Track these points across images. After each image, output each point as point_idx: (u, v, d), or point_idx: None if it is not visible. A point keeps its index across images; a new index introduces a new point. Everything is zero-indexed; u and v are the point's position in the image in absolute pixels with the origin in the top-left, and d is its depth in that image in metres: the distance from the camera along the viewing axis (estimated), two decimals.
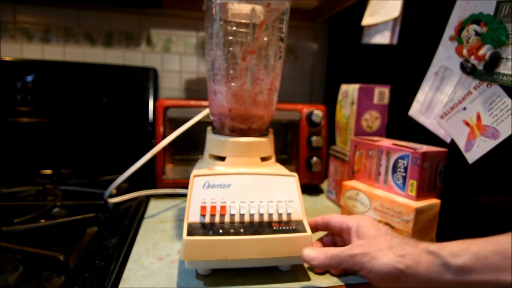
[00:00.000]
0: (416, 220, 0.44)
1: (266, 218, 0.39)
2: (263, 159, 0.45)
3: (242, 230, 0.37)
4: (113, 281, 0.36)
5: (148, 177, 0.65)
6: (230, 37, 0.42)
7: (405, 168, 0.47)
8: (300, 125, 0.69)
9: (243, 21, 0.42)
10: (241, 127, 0.45)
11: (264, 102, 0.45)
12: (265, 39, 0.44)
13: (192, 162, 0.65)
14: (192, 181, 0.40)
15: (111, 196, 0.57)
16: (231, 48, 0.43)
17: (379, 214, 0.48)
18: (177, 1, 0.85)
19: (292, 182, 0.42)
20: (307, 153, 0.70)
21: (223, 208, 0.38)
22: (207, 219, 0.37)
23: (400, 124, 0.62)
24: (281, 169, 0.46)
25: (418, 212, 0.44)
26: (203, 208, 0.38)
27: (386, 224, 0.47)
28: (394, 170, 0.49)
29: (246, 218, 0.38)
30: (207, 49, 0.46)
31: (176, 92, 0.94)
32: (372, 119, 0.62)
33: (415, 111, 0.58)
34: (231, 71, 0.43)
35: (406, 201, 0.45)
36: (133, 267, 0.39)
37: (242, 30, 0.43)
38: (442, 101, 0.52)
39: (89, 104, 0.79)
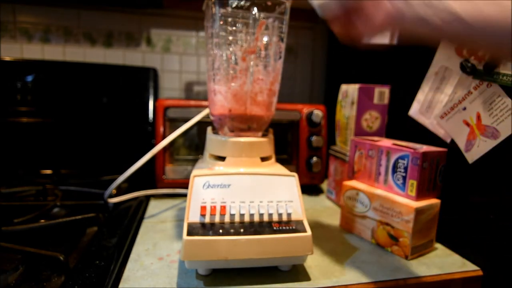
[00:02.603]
0: (416, 220, 0.44)
1: (266, 218, 0.39)
2: (263, 159, 0.45)
3: (242, 230, 0.37)
4: (113, 281, 0.36)
5: (148, 177, 0.66)
6: (230, 37, 0.42)
7: (405, 168, 0.47)
8: (300, 125, 0.69)
9: (243, 21, 0.43)
10: (241, 127, 0.45)
11: (264, 102, 0.45)
12: (265, 39, 0.44)
13: (192, 162, 0.65)
14: (192, 181, 0.40)
15: (111, 196, 0.57)
16: (231, 48, 0.43)
17: (379, 214, 0.48)
18: (177, 1, 0.85)
19: (292, 182, 0.42)
20: (307, 153, 0.70)
21: (223, 208, 0.38)
22: (207, 219, 0.37)
23: (400, 124, 0.62)
24: (281, 169, 0.46)
25: (418, 212, 0.44)
26: (203, 208, 0.38)
27: (386, 224, 0.47)
28: (394, 170, 0.49)
29: (246, 218, 0.38)
30: (207, 49, 0.46)
31: (176, 92, 0.94)
32: (372, 119, 0.62)
33: (415, 111, 0.58)
34: (231, 71, 0.43)
35: (406, 201, 0.45)
36: (133, 267, 0.39)
37: (242, 30, 0.43)
38: (442, 101, 0.52)
39: (89, 104, 0.79)
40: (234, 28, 0.42)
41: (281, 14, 0.44)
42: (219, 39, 0.43)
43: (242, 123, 0.45)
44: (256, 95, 0.45)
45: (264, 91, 0.45)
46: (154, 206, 0.60)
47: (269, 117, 0.48)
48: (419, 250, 0.46)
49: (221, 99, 0.44)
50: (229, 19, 0.42)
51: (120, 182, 0.54)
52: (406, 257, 0.45)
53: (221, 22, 0.42)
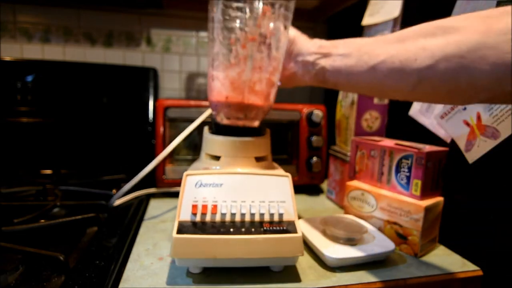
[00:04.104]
0: (425, 219, 0.44)
1: (257, 218, 0.38)
2: (259, 158, 0.45)
3: (232, 229, 0.37)
4: (113, 281, 0.36)
5: (148, 177, 0.65)
6: (232, 23, 0.42)
7: (409, 168, 0.47)
8: (300, 125, 0.69)
9: (246, 6, 0.41)
10: (237, 115, 0.45)
11: (262, 92, 0.44)
12: (271, 25, 0.42)
13: (192, 162, 0.65)
14: (185, 179, 0.40)
15: (111, 195, 0.57)
16: (232, 35, 0.42)
17: (386, 214, 0.48)
18: (177, 1, 0.85)
19: (285, 182, 0.41)
20: (307, 153, 0.70)
21: (214, 207, 0.38)
22: (198, 218, 0.37)
23: (400, 124, 0.62)
24: (276, 169, 0.46)
25: (427, 210, 0.44)
26: (194, 207, 0.38)
27: (394, 223, 0.47)
28: (398, 170, 0.49)
29: (237, 218, 0.38)
30: (208, 34, 0.45)
31: (176, 92, 0.94)
32: (372, 119, 0.62)
33: (415, 111, 0.58)
34: (230, 58, 0.43)
35: (415, 200, 0.45)
36: (133, 267, 0.39)
37: (245, 16, 0.41)
38: None
39: (89, 104, 0.79)
40: (236, 13, 0.41)
41: (287, 0, 0.42)
42: (220, 23, 0.42)
43: (239, 112, 0.44)
44: (254, 84, 0.43)
45: (263, 81, 0.44)
46: (154, 206, 0.60)
47: (267, 107, 0.46)
48: (427, 247, 0.46)
49: (219, 85, 0.43)
50: (233, 4, 0.41)
51: (124, 185, 0.54)
52: (416, 255, 0.45)
53: (224, 6, 0.41)
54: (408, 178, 0.47)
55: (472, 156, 0.47)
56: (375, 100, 0.61)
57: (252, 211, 0.38)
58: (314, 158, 0.69)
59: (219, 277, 0.38)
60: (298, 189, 0.69)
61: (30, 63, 0.78)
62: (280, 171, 0.44)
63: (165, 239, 0.47)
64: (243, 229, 0.37)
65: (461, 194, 0.51)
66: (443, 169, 0.49)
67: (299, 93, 1.03)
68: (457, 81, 0.28)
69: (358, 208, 0.52)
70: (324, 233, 0.46)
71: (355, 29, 0.75)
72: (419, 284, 0.40)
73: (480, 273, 0.43)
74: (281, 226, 0.38)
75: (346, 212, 0.54)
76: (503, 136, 0.43)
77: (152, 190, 0.63)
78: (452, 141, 0.50)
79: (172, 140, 0.58)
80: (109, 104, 0.80)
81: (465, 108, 0.48)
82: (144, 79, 0.84)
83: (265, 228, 0.38)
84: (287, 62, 0.46)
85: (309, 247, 0.45)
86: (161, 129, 0.64)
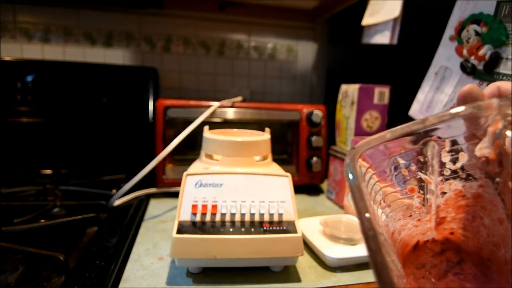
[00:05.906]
0: None
1: (257, 218, 0.38)
2: (259, 159, 0.45)
3: (231, 229, 0.37)
4: (113, 281, 0.36)
5: (148, 177, 0.65)
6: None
7: None
8: (300, 125, 0.69)
9: None
10: None
11: None
12: None
13: (192, 162, 0.65)
14: (185, 179, 0.40)
15: (111, 195, 0.57)
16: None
17: None
18: (177, 1, 0.85)
19: (285, 182, 0.41)
20: (307, 153, 0.70)
21: (214, 207, 0.38)
22: (198, 218, 0.38)
23: (400, 124, 0.62)
24: (276, 169, 0.46)
25: None
26: (194, 207, 0.38)
27: None
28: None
29: (237, 218, 0.38)
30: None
31: (176, 92, 0.94)
32: (372, 119, 0.62)
33: (415, 111, 0.58)
34: None
35: None
36: (133, 267, 0.39)
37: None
38: (442, 101, 0.52)
39: (89, 104, 0.79)
40: None
41: None
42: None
43: None
44: None
45: None
46: (154, 206, 0.60)
47: None
48: None
49: None
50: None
51: (123, 185, 0.54)
52: None
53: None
54: None
55: None
56: (375, 100, 0.61)
57: (252, 211, 0.38)
58: (314, 158, 0.69)
59: (219, 277, 0.38)
60: (298, 189, 0.69)
61: (30, 63, 0.78)
62: (280, 171, 0.44)
63: (165, 239, 0.47)
64: (243, 229, 0.37)
65: None
66: None
67: (299, 93, 1.03)
68: None
69: None
70: (324, 233, 0.46)
71: (355, 29, 0.75)
72: None
73: None
74: (281, 226, 0.38)
75: (346, 212, 0.54)
76: None
77: (152, 190, 0.63)
78: None
79: (172, 140, 0.58)
80: (109, 104, 0.80)
81: None
82: (144, 79, 0.84)
83: (265, 228, 0.38)
84: None
85: (309, 247, 0.45)
86: (161, 129, 0.64)
